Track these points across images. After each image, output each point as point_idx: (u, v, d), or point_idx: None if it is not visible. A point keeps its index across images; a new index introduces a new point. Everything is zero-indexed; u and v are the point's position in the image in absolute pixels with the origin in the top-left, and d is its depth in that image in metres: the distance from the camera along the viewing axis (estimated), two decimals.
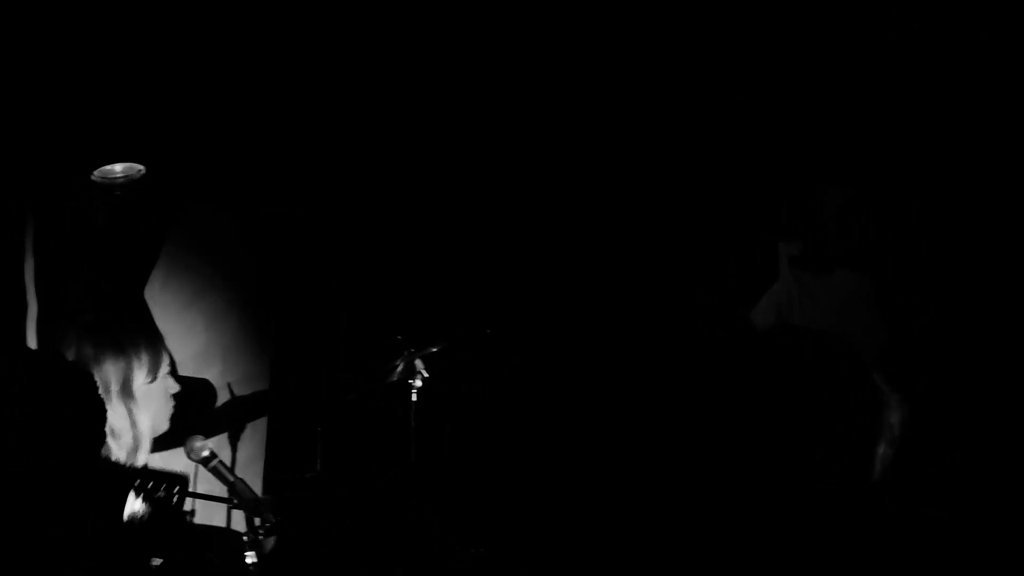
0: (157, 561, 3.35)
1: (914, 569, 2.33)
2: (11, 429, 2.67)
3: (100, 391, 4.19)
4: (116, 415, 4.27)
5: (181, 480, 3.26)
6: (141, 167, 5.31)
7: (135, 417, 4.32)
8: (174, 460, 4.86)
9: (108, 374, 4.30)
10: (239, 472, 4.93)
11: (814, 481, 2.39)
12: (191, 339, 5.84)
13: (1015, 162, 5.16)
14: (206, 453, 4.54)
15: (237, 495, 4.49)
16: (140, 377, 4.35)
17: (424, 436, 5.36)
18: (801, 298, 5.22)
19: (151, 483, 3.12)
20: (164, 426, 4.48)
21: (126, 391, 4.31)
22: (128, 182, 5.32)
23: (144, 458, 4.38)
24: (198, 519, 5.44)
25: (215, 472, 4.54)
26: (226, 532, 5.43)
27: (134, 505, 3.15)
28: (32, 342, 5.30)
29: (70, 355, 4.30)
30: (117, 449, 4.30)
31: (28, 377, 2.78)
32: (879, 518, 2.39)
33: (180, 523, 3.36)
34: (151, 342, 4.46)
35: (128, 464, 4.22)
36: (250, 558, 4.57)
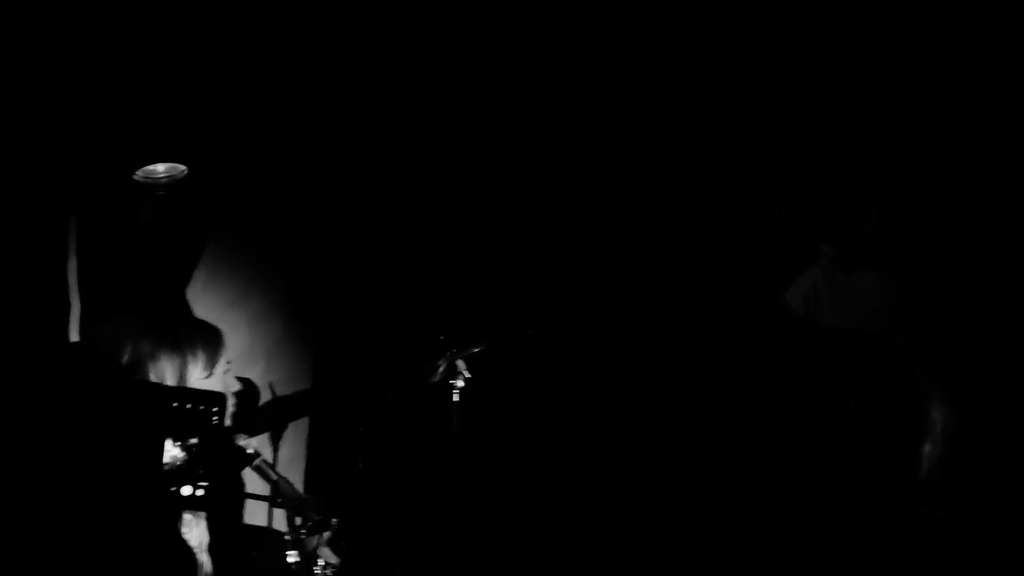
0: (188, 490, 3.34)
1: (914, 569, 2.30)
2: (43, 423, 2.67)
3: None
4: None
5: (220, 399, 3.27)
6: (184, 167, 5.32)
7: None
8: None
9: (164, 369, 4.32)
10: (281, 472, 4.95)
11: (814, 481, 2.36)
12: (234, 339, 5.80)
13: (1015, 161, 5.16)
14: (250, 452, 4.56)
15: (281, 494, 4.50)
16: (196, 372, 4.37)
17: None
18: (829, 293, 5.23)
19: (189, 405, 3.12)
20: (224, 423, 4.47)
21: (182, 385, 4.33)
22: (171, 182, 5.33)
23: None
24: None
25: (259, 471, 4.55)
26: (268, 531, 5.44)
27: (172, 451, 3.15)
28: (75, 340, 5.32)
29: (127, 353, 4.33)
30: None
31: (56, 372, 2.78)
32: (879, 518, 2.37)
33: (223, 441, 3.36)
34: (208, 338, 4.48)
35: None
36: (292, 557, 4.57)
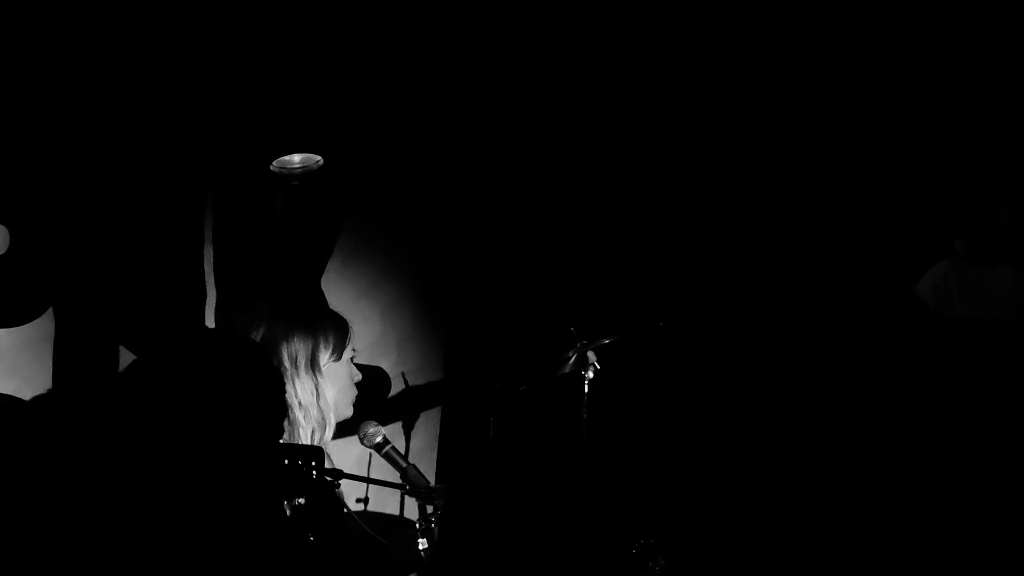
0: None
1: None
2: (196, 412, 2.68)
3: (287, 366, 4.32)
4: (304, 390, 4.40)
5: (318, 453, 3.29)
6: (319, 158, 5.37)
7: (322, 391, 4.40)
8: (348, 447, 4.92)
9: (296, 349, 4.39)
10: (412, 461, 4.96)
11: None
12: (366, 328, 5.87)
13: None
14: (379, 439, 4.59)
15: (409, 481, 4.52)
16: (326, 355, 4.44)
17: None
18: (960, 286, 5.17)
19: (287, 461, 3.15)
20: (347, 412, 4.54)
21: (314, 366, 4.40)
22: (306, 172, 5.38)
23: (330, 435, 4.46)
24: (372, 506, 5.50)
25: (388, 458, 4.57)
26: (400, 520, 5.46)
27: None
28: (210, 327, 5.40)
29: (259, 334, 4.41)
30: (305, 424, 4.38)
31: (210, 359, 2.79)
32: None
33: (322, 497, 3.40)
34: (338, 325, 4.55)
35: (315, 441, 4.32)
36: (423, 544, 4.58)
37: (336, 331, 4.51)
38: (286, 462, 3.22)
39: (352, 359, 4.55)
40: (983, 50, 5.40)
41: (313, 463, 3.28)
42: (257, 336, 4.41)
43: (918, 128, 5.63)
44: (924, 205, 5.63)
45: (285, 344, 4.39)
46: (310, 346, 4.43)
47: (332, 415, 4.47)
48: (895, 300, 5.36)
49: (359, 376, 4.56)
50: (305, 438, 4.41)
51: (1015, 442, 4.41)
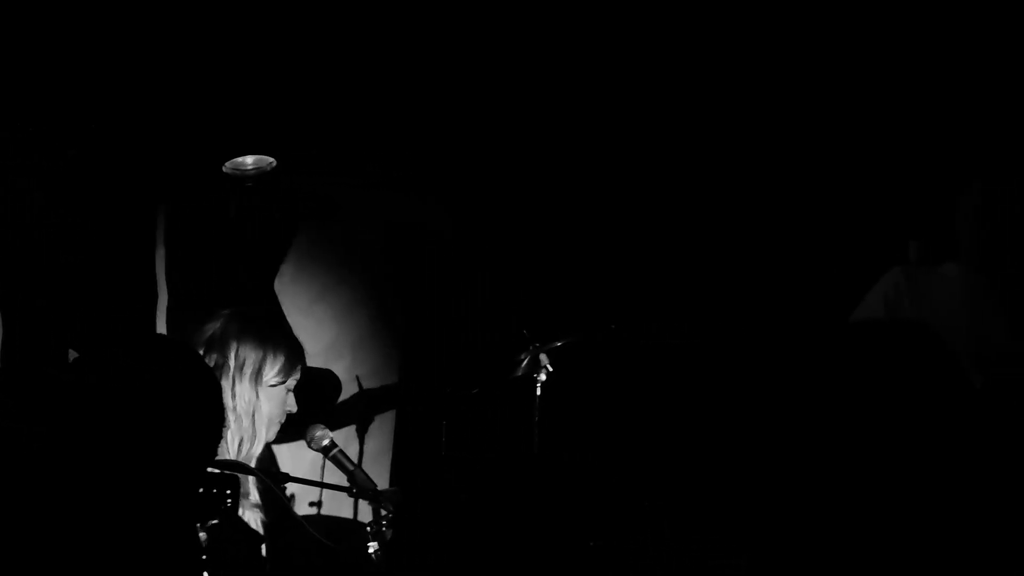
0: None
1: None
2: (135, 418, 2.63)
3: (231, 367, 4.29)
4: (243, 399, 4.36)
5: (234, 483, 3.29)
6: (272, 159, 5.36)
7: (259, 405, 4.38)
8: (302, 452, 4.89)
9: (245, 355, 4.36)
10: (367, 464, 4.95)
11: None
12: (321, 332, 5.89)
13: None
14: (326, 442, 4.56)
15: (356, 485, 4.50)
16: (272, 372, 4.41)
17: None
18: (909, 291, 5.10)
19: (202, 489, 3.15)
20: (270, 436, 4.50)
21: (257, 378, 4.37)
22: (259, 174, 5.38)
23: (257, 450, 4.42)
24: (325, 510, 5.49)
25: (335, 461, 4.55)
26: (352, 523, 5.45)
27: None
28: (162, 332, 5.37)
29: (213, 330, 4.38)
30: (236, 432, 4.35)
31: (154, 365, 2.74)
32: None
33: (234, 526, 3.39)
34: (293, 349, 4.52)
35: (242, 453, 4.30)
36: (373, 548, 4.57)
37: (288, 353, 4.47)
38: (201, 490, 3.21)
39: (292, 390, 4.51)
40: (936, 50, 5.40)
41: (228, 491, 3.28)
42: (209, 332, 4.38)
43: (872, 130, 5.62)
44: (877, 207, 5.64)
45: (236, 346, 4.36)
46: (259, 357, 4.40)
47: (264, 431, 4.44)
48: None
49: (294, 408, 4.51)
50: (232, 445, 4.37)
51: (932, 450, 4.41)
